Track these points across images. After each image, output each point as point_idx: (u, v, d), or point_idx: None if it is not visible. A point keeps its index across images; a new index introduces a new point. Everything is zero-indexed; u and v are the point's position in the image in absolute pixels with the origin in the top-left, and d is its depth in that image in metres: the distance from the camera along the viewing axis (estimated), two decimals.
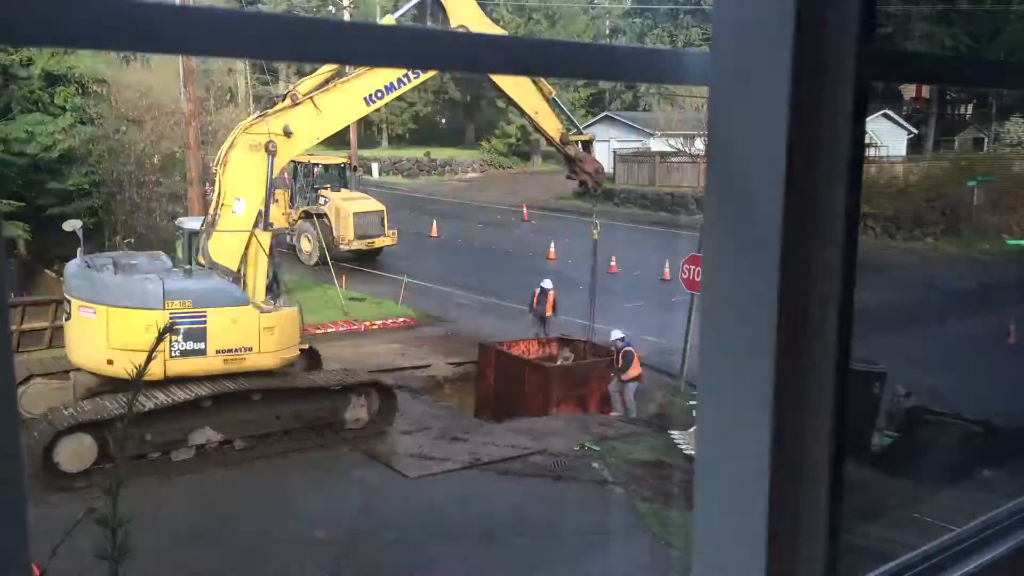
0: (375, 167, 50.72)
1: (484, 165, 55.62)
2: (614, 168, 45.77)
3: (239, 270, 13.14)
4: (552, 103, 15.49)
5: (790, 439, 1.20)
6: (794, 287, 1.16)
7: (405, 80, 14.19)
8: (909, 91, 47.43)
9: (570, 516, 11.17)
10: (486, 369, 16.68)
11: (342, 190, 28.95)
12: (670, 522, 10.86)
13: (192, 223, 14.07)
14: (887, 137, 40.11)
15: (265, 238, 13.25)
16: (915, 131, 46.34)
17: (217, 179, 13.19)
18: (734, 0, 1.15)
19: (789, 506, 1.21)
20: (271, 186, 13.35)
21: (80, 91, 23.54)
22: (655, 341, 18.49)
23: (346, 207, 27.29)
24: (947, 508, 11.11)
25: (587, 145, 16.49)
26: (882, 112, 41.84)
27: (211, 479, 12.01)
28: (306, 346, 14.77)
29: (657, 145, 45.23)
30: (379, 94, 14.00)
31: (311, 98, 13.35)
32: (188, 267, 13.15)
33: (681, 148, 42.94)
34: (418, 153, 55.18)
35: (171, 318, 12.06)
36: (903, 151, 43.31)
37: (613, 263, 26.21)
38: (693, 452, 1.31)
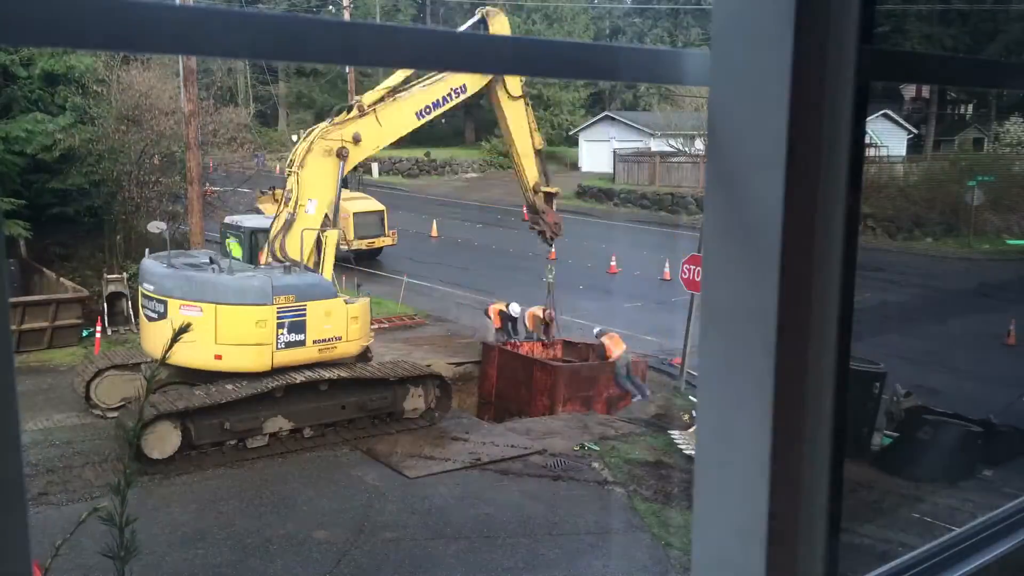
0: (375, 167, 50.71)
1: (484, 165, 55.61)
2: (614, 168, 45.81)
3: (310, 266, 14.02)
4: (538, 154, 17.01)
5: (790, 439, 1.20)
6: (794, 287, 1.16)
7: (451, 97, 15.46)
8: (909, 91, 47.46)
9: (570, 516, 11.16)
10: (489, 369, 16.67)
11: (342, 190, 28.93)
12: (670, 522, 10.86)
13: (251, 221, 14.69)
14: (887, 137, 40.11)
15: (333, 236, 14.30)
16: (915, 131, 46.34)
17: (295, 181, 14.09)
18: (734, 0, 1.15)
19: (789, 506, 1.21)
20: (340, 188, 14.47)
21: (80, 91, 23.52)
22: (655, 341, 18.49)
23: (346, 207, 27.20)
24: (947, 508, 11.12)
25: (551, 196, 17.59)
26: (882, 112, 41.85)
27: (212, 477, 12.03)
28: (372, 335, 15.42)
29: (657, 145, 45.23)
30: (428, 109, 15.30)
31: (375, 110, 14.52)
32: (287, 263, 13.77)
33: (681, 148, 42.94)
34: (418, 153, 55.16)
35: (278, 312, 13.02)
36: (903, 151, 43.32)
37: (613, 263, 26.23)
38: (693, 452, 1.31)
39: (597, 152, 50.33)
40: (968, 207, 30.65)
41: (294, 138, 53.21)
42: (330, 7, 58.56)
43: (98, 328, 18.30)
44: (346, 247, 26.95)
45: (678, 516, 10.94)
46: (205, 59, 25.34)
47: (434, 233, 31.95)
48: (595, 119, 53.76)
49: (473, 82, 15.78)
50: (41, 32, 0.74)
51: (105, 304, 19.26)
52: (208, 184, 25.66)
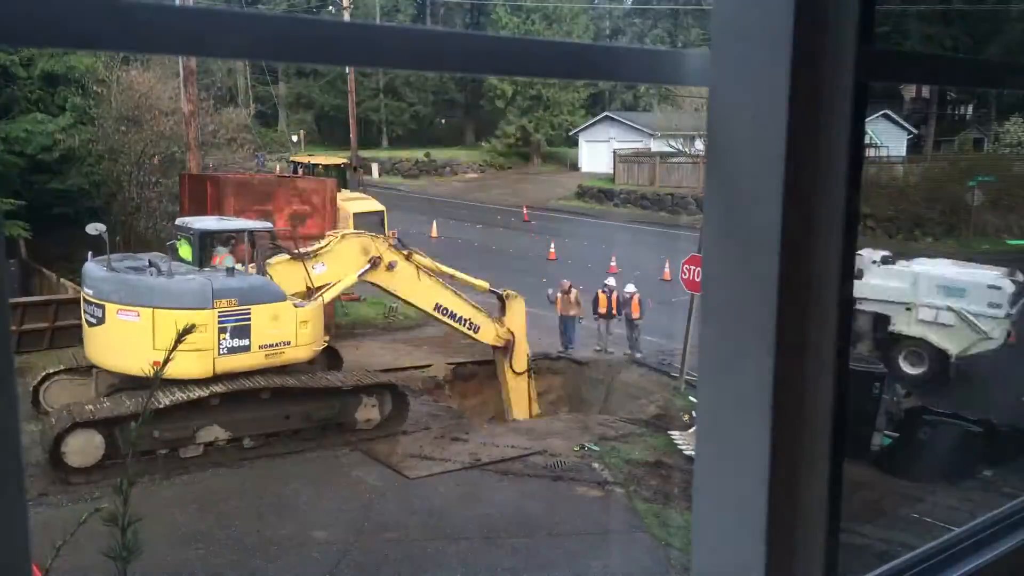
0: (375, 167, 50.73)
1: (484, 166, 55.62)
2: (614, 168, 45.83)
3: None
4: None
5: (790, 439, 1.20)
6: (794, 287, 1.16)
7: (463, 322, 15.61)
8: (909, 91, 47.45)
9: (570, 516, 11.16)
10: None
11: (342, 190, 28.94)
12: (670, 522, 10.86)
13: (200, 223, 13.87)
14: (887, 137, 40.12)
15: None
16: (915, 131, 46.34)
17: (328, 239, 14.80)
18: (734, 0, 1.15)
19: (789, 506, 1.21)
20: (353, 284, 15.26)
21: (80, 91, 23.52)
22: (655, 341, 18.49)
23: (346, 207, 27.23)
24: (947, 508, 11.12)
25: None
26: (882, 112, 41.85)
27: (212, 477, 12.02)
28: (327, 339, 14.95)
29: (657, 145, 45.24)
30: (443, 310, 15.47)
31: (420, 269, 15.35)
32: (230, 267, 13.26)
33: (681, 148, 42.96)
34: (418, 153, 55.16)
35: (219, 316, 12.40)
36: (903, 151, 43.32)
37: (613, 263, 26.22)
38: (693, 452, 1.31)
39: (597, 152, 50.34)
40: (968, 207, 30.64)
41: (294, 138, 53.29)
42: (330, 7, 58.56)
43: None
44: None
45: (678, 516, 10.94)
46: (205, 59, 25.35)
47: (434, 233, 31.94)
48: (595, 119, 53.77)
49: (487, 334, 15.79)
50: (41, 32, 0.74)
51: None
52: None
